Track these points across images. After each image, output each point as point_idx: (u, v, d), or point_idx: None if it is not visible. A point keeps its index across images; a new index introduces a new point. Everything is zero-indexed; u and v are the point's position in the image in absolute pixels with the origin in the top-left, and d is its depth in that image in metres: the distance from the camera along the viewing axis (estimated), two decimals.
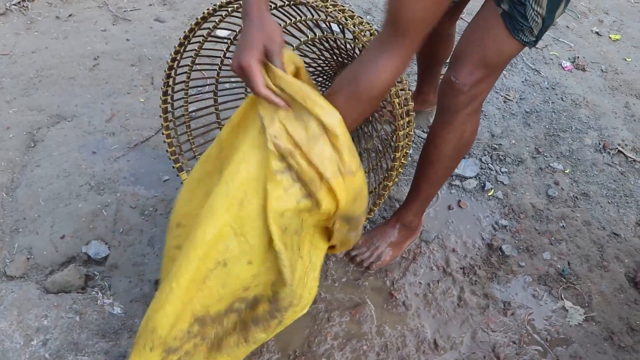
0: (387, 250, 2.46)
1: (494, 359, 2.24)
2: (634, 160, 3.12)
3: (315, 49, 2.66)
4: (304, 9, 2.41)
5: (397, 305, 2.35)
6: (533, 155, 3.08)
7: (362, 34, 2.03)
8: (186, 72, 2.51)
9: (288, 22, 2.57)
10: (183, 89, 2.53)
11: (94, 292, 2.23)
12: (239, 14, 2.37)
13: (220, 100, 2.74)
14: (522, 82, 3.58)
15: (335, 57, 2.63)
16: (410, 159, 2.85)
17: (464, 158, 2.92)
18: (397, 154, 2.12)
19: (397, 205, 2.67)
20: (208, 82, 2.91)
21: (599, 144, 3.19)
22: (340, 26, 2.06)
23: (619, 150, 3.16)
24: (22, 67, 3.18)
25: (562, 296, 2.46)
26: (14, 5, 3.59)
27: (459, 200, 2.79)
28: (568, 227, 2.73)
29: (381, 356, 2.19)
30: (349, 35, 2.29)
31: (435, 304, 2.38)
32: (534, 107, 3.38)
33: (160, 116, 2.37)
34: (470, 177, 2.90)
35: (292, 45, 2.67)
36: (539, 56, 3.78)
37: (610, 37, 4.09)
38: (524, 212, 2.78)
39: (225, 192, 1.62)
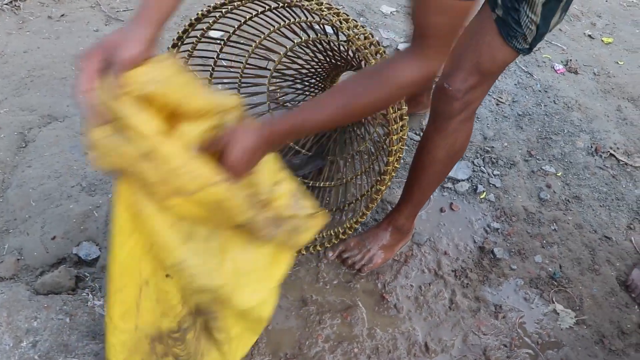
0: (379, 253, 2.46)
1: None
2: (626, 164, 3.12)
3: (308, 51, 2.67)
4: (298, 11, 2.41)
5: (388, 308, 2.35)
6: (525, 158, 3.09)
7: (357, 37, 2.04)
8: None
9: (282, 23, 2.57)
10: None
11: (85, 294, 2.22)
12: (232, 16, 2.38)
13: None
14: (515, 84, 3.58)
15: (328, 60, 2.63)
16: (403, 161, 2.84)
17: None
18: (391, 159, 2.12)
19: (389, 208, 2.67)
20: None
21: (591, 147, 3.20)
22: (335, 29, 2.06)
23: (610, 154, 3.16)
24: (14, 67, 3.17)
25: (554, 299, 2.47)
26: (6, 4, 3.57)
27: (451, 203, 2.79)
28: (560, 230, 2.74)
29: (372, 359, 2.19)
30: (342, 38, 2.29)
31: (426, 307, 2.38)
32: (526, 109, 3.39)
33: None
34: (463, 180, 2.90)
35: (286, 48, 2.67)
36: (531, 59, 3.79)
37: (602, 40, 4.10)
38: (516, 215, 2.78)
39: (124, 218, 1.54)
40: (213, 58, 2.67)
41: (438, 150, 2.19)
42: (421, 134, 2.25)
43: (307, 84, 2.95)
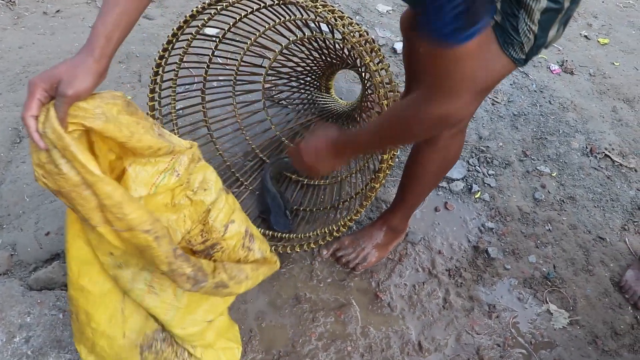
0: (373, 252, 2.46)
1: None
2: (621, 165, 3.12)
3: (304, 49, 2.67)
4: (294, 9, 2.41)
5: (382, 307, 2.35)
6: (520, 158, 3.09)
7: (352, 34, 2.03)
8: (174, 70, 2.50)
9: (277, 21, 2.57)
10: (170, 87, 2.53)
11: None
12: (228, 12, 2.38)
13: (207, 98, 2.73)
14: (511, 84, 3.58)
15: (324, 58, 2.63)
16: (397, 160, 2.84)
17: None
18: (385, 156, 2.11)
19: (384, 207, 2.67)
20: (196, 80, 2.90)
21: (586, 147, 3.20)
22: (330, 26, 2.06)
23: (605, 155, 3.16)
24: (9, 63, 3.16)
25: (547, 299, 2.47)
26: (1, 0, 3.57)
27: (446, 202, 2.79)
28: (554, 231, 2.74)
29: (365, 357, 2.19)
30: (337, 36, 2.29)
31: (420, 306, 2.38)
32: (521, 109, 3.39)
33: (147, 113, 2.36)
34: (457, 179, 2.90)
35: (281, 45, 2.67)
36: None
37: (598, 41, 4.10)
38: (511, 215, 2.78)
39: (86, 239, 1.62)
40: (208, 55, 2.67)
41: (429, 163, 2.18)
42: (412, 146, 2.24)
43: (302, 81, 2.95)
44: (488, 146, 3.11)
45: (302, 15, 2.37)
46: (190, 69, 2.93)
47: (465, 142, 3.06)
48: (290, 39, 2.65)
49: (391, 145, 2.05)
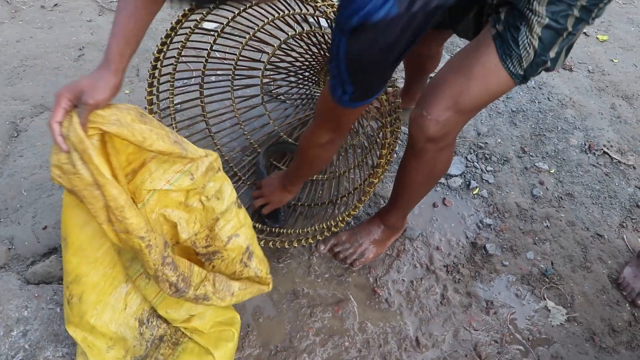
0: (371, 248, 2.46)
1: (476, 357, 2.24)
2: (619, 162, 3.12)
3: (302, 44, 2.66)
4: (293, 3, 2.40)
5: (379, 302, 2.35)
6: (519, 154, 3.08)
7: None
8: (172, 64, 2.50)
9: (276, 15, 2.56)
10: (169, 81, 2.52)
11: None
12: (226, 7, 2.37)
13: (206, 92, 2.73)
14: None
15: (322, 52, 2.62)
16: (395, 155, 2.84)
17: None
18: (384, 151, 2.11)
19: (382, 202, 2.67)
20: (194, 75, 2.89)
21: (585, 144, 3.20)
22: (329, 21, 2.05)
23: (604, 152, 3.16)
24: (6, 57, 3.15)
25: (545, 296, 2.47)
26: None
27: (444, 198, 2.79)
28: (552, 227, 2.74)
29: (363, 353, 2.19)
30: None
31: (418, 302, 2.37)
32: (520, 106, 3.39)
33: (146, 108, 2.36)
34: (456, 175, 2.89)
35: (280, 40, 2.67)
36: None
37: (597, 38, 4.10)
38: (509, 212, 2.78)
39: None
40: (207, 50, 2.66)
41: (416, 174, 2.17)
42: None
43: (300, 76, 2.94)
44: (486, 142, 3.10)
45: (302, 10, 2.37)
46: (189, 64, 2.92)
47: (464, 138, 3.06)
48: (289, 34, 2.65)
49: (311, 170, 2.28)
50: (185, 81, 2.89)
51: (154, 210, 1.80)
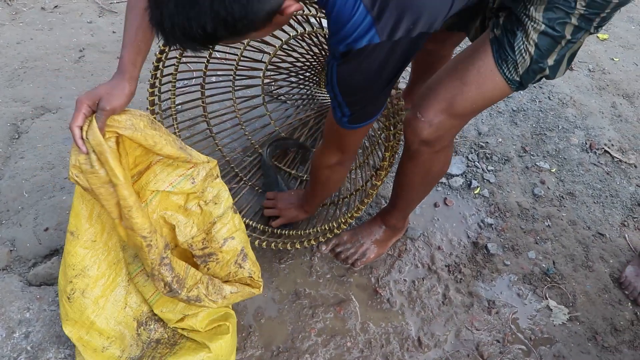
0: (372, 248, 2.46)
1: (478, 357, 2.24)
2: (620, 161, 3.12)
3: (304, 44, 2.66)
4: None
5: (381, 303, 2.35)
6: (519, 153, 3.08)
7: None
8: (174, 65, 2.50)
9: None
10: (170, 82, 2.52)
11: None
12: None
13: (207, 93, 2.73)
14: None
15: (323, 53, 2.62)
16: (397, 156, 2.84)
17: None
18: (387, 154, 2.11)
19: (384, 203, 2.67)
20: (195, 75, 2.90)
21: (586, 143, 3.20)
22: None
23: (605, 150, 3.16)
24: (7, 58, 3.15)
25: (547, 295, 2.47)
26: None
27: (445, 198, 2.79)
28: (553, 227, 2.74)
29: (365, 353, 2.19)
30: None
31: (419, 302, 2.37)
32: (521, 105, 3.38)
33: (147, 108, 2.36)
34: (457, 175, 2.89)
35: (282, 40, 2.67)
36: None
37: (598, 37, 4.09)
38: (510, 211, 2.78)
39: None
40: (208, 50, 2.66)
41: (413, 176, 2.17)
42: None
43: (301, 77, 2.94)
44: (487, 142, 3.10)
45: (304, 11, 2.37)
46: (190, 64, 2.92)
47: (465, 137, 3.06)
48: (291, 34, 2.65)
49: (323, 191, 2.30)
50: (186, 82, 2.89)
51: (155, 211, 1.88)
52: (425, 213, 2.71)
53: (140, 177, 1.86)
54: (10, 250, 2.31)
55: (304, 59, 2.78)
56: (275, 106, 2.99)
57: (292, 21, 2.56)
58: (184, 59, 2.52)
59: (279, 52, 2.76)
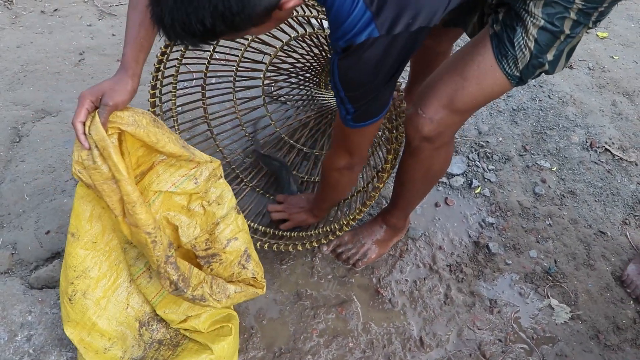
0: (374, 248, 2.46)
1: (480, 356, 2.24)
2: (621, 159, 3.12)
3: (304, 45, 2.66)
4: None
5: (383, 303, 2.35)
6: (520, 152, 3.08)
7: None
8: (175, 66, 2.50)
9: None
10: (171, 83, 2.52)
11: None
12: None
13: (207, 94, 2.73)
14: None
15: (324, 54, 2.62)
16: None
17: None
18: (389, 157, 2.11)
19: (384, 202, 2.66)
20: (195, 76, 2.90)
21: (586, 142, 3.20)
22: None
23: (606, 149, 3.16)
24: (7, 62, 3.16)
25: (549, 294, 2.47)
26: None
27: (446, 198, 2.79)
28: (555, 225, 2.74)
29: (367, 353, 2.19)
30: None
31: (421, 302, 2.37)
32: (521, 104, 3.38)
33: (148, 110, 2.36)
34: (457, 175, 2.89)
35: (282, 42, 2.67)
36: None
37: (597, 35, 4.09)
38: (511, 210, 2.78)
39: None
40: (209, 51, 2.66)
41: (414, 173, 2.17)
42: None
43: (301, 77, 2.94)
44: (488, 141, 3.10)
45: (305, 12, 2.37)
46: (190, 66, 2.92)
47: (465, 137, 3.06)
48: (292, 35, 2.65)
49: (333, 196, 2.30)
50: (187, 83, 2.89)
51: (157, 212, 1.88)
52: (426, 213, 2.71)
53: (143, 178, 1.85)
54: (12, 254, 2.31)
55: (304, 60, 2.79)
56: (275, 107, 2.99)
57: (292, 22, 2.56)
58: (184, 61, 2.52)
59: (280, 53, 2.77)
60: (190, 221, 1.93)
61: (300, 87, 3.00)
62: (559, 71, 1.86)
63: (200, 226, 1.93)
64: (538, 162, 3.03)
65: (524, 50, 1.75)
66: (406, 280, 2.44)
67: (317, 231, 2.42)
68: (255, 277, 2.00)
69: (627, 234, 2.75)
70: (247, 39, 2.71)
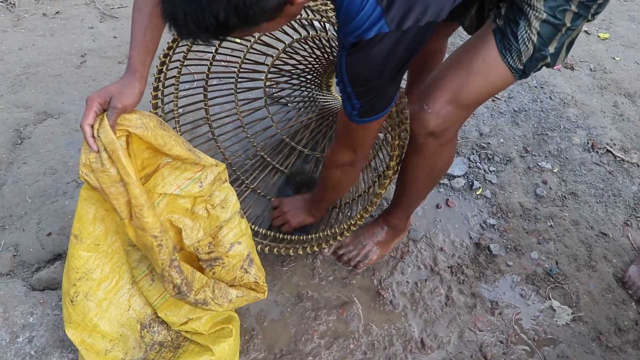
0: (375, 249, 2.46)
1: (481, 358, 2.24)
2: (622, 160, 3.12)
3: (307, 47, 2.67)
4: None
5: (384, 304, 2.35)
6: (521, 154, 3.08)
7: None
8: (177, 68, 2.50)
9: None
10: (173, 84, 2.53)
11: None
12: None
13: (209, 95, 2.73)
14: None
15: (326, 56, 2.63)
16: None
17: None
18: (392, 163, 2.11)
19: (385, 204, 2.66)
20: (196, 78, 2.90)
21: (588, 143, 3.20)
22: (335, 26, 2.06)
23: (607, 150, 3.16)
24: (9, 65, 3.16)
25: (550, 296, 2.46)
26: (1, 2, 3.57)
27: (447, 199, 2.79)
28: (556, 227, 2.74)
29: (368, 355, 2.19)
30: None
31: (422, 303, 2.37)
32: (522, 105, 3.38)
33: (150, 111, 2.36)
34: (459, 176, 2.89)
35: (285, 44, 2.67)
36: None
37: (599, 36, 4.09)
38: (512, 211, 2.77)
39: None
40: (211, 53, 2.67)
41: (418, 170, 2.18)
42: None
43: (303, 79, 2.94)
44: (489, 142, 3.10)
45: (308, 15, 2.37)
46: (193, 67, 2.93)
47: (466, 138, 3.06)
48: (294, 37, 2.65)
49: (333, 194, 2.31)
50: (189, 84, 2.89)
51: (162, 214, 1.88)
52: (427, 214, 2.71)
53: (148, 180, 1.85)
54: (14, 255, 2.31)
55: (306, 62, 2.79)
56: (277, 109, 3.00)
57: (295, 24, 2.57)
58: (187, 62, 2.53)
59: (282, 55, 2.77)
60: (194, 224, 1.93)
61: (302, 88, 3.00)
62: (560, 63, 1.88)
63: (203, 229, 1.93)
64: (539, 164, 3.03)
65: (527, 43, 1.77)
66: (407, 281, 2.44)
67: (318, 235, 2.42)
68: (257, 282, 2.00)
69: (629, 235, 2.75)
70: (250, 40, 2.71)
